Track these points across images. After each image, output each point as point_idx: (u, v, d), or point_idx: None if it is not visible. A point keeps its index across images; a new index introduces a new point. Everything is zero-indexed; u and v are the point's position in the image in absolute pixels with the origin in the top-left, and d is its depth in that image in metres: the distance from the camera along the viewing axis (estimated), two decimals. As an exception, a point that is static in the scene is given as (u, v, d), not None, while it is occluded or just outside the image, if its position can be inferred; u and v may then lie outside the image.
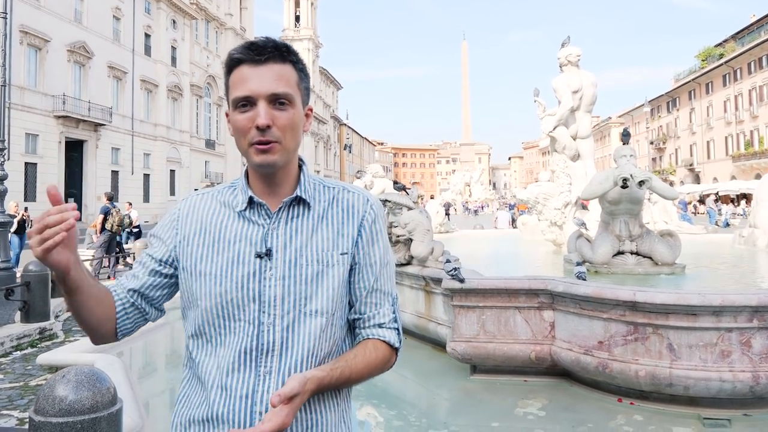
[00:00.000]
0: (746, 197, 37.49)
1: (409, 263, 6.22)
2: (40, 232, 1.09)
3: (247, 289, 1.25)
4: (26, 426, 2.39)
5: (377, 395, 4.77)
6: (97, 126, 38.04)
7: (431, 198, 49.29)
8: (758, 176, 30.67)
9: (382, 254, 1.37)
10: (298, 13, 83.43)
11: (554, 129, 10.07)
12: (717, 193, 41.78)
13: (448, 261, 5.21)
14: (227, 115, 1.32)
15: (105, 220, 12.99)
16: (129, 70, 42.65)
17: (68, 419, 2.03)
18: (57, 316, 8.48)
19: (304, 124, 1.33)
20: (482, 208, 60.79)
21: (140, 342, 6.91)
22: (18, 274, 9.32)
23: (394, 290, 1.41)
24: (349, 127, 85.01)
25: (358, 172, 16.84)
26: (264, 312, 1.25)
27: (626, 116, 74.38)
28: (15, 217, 13.25)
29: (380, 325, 1.36)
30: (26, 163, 31.93)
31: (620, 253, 6.95)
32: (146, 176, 45.29)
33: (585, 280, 4.98)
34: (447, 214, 22.69)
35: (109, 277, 12.40)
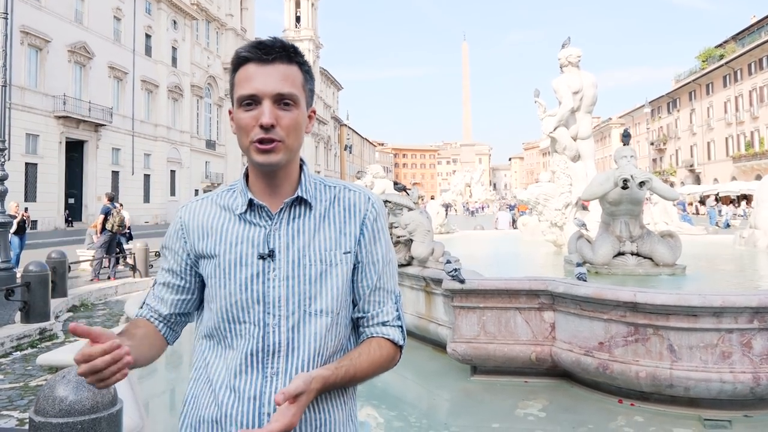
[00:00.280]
0: (747, 198, 37.50)
1: (409, 264, 6.22)
2: (87, 375, 1.03)
3: (252, 291, 1.26)
4: (26, 426, 2.39)
5: (377, 396, 4.77)
6: (97, 126, 38.07)
7: (432, 198, 49.30)
8: (759, 177, 30.62)
9: (385, 252, 1.38)
10: (298, 14, 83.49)
11: (555, 130, 10.06)
12: (717, 194, 41.77)
13: (448, 262, 5.21)
14: (230, 112, 1.32)
15: (105, 220, 12.99)
16: (129, 70, 42.68)
17: (68, 420, 2.03)
18: (57, 317, 8.48)
19: (306, 126, 1.33)
20: (482, 208, 60.83)
21: (140, 342, 6.89)
22: (18, 275, 9.32)
23: (397, 288, 1.42)
24: (350, 128, 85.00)
25: (358, 172, 16.83)
26: (269, 313, 1.25)
27: (627, 117, 74.37)
28: (15, 217, 13.24)
29: (384, 323, 1.37)
30: (27, 164, 31.94)
31: (621, 253, 6.94)
32: (146, 177, 45.32)
33: (585, 281, 4.97)
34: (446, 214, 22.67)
35: (109, 278, 12.40)
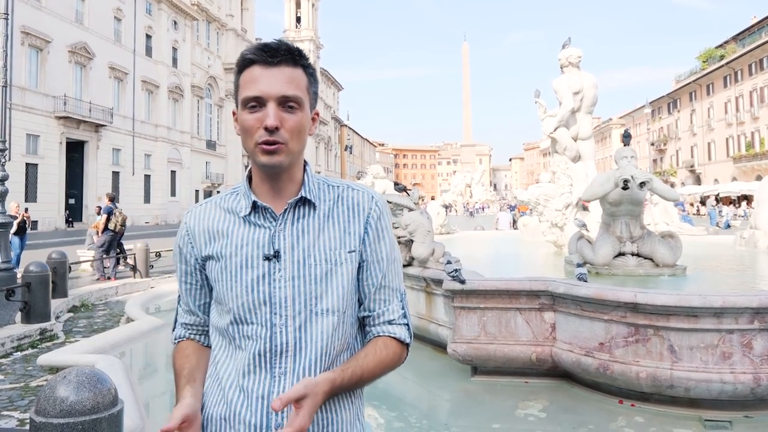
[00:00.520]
0: (747, 199, 37.49)
1: (409, 264, 6.23)
2: None
3: (258, 292, 1.27)
4: (27, 427, 2.39)
5: (378, 397, 4.77)
6: (97, 127, 38.08)
7: (432, 199, 49.32)
8: (759, 177, 30.65)
9: (389, 251, 1.38)
10: (299, 14, 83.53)
11: (555, 130, 10.07)
12: (718, 195, 41.76)
13: (449, 262, 5.21)
14: (234, 114, 1.33)
15: (108, 220, 12.99)
16: (130, 70, 42.69)
17: (69, 420, 2.03)
18: (57, 317, 8.48)
19: (310, 128, 1.34)
20: (483, 209, 60.81)
21: (141, 343, 6.90)
22: (19, 275, 9.32)
23: (402, 286, 1.43)
24: (350, 128, 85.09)
25: (358, 173, 16.85)
26: (276, 314, 1.26)
27: (627, 117, 74.37)
28: (16, 218, 13.24)
29: (390, 322, 1.37)
30: (27, 164, 31.97)
31: (621, 254, 6.95)
32: (147, 177, 45.33)
33: (586, 281, 4.97)
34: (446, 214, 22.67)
35: (109, 278, 12.40)
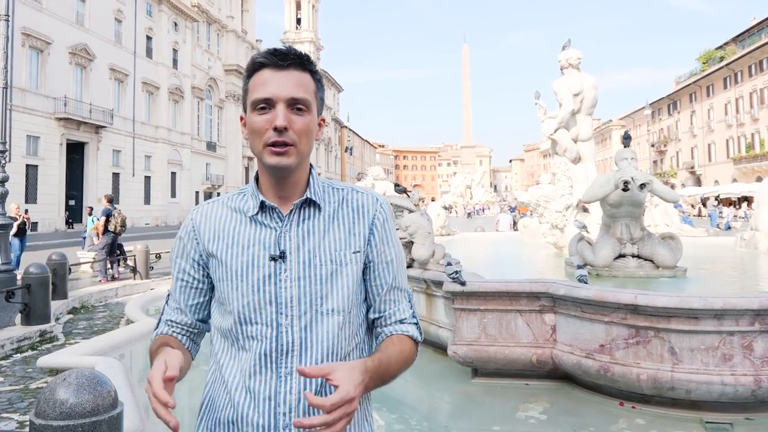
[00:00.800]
0: (747, 200, 37.50)
1: (410, 266, 6.22)
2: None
3: (264, 292, 1.28)
4: (26, 429, 2.39)
5: (378, 398, 4.75)
6: (98, 128, 38.10)
7: (432, 200, 49.30)
8: (759, 179, 30.63)
9: (397, 252, 1.41)
10: (299, 16, 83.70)
11: (555, 132, 10.07)
12: (718, 196, 41.76)
13: (449, 264, 5.21)
14: (242, 119, 1.35)
15: (107, 221, 13.00)
16: (130, 72, 42.73)
17: (69, 422, 2.02)
18: (57, 319, 8.47)
19: (316, 133, 1.36)
20: (483, 210, 60.82)
21: (141, 345, 6.89)
22: (18, 277, 9.31)
23: (408, 286, 1.44)
24: (350, 130, 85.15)
25: (359, 174, 16.88)
26: (281, 313, 1.27)
27: (627, 119, 74.39)
28: (16, 219, 13.23)
29: (401, 321, 1.39)
30: (27, 165, 31.98)
31: (621, 256, 6.94)
32: (147, 178, 45.35)
33: (586, 283, 4.97)
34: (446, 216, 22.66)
35: (113, 277, 12.40)
